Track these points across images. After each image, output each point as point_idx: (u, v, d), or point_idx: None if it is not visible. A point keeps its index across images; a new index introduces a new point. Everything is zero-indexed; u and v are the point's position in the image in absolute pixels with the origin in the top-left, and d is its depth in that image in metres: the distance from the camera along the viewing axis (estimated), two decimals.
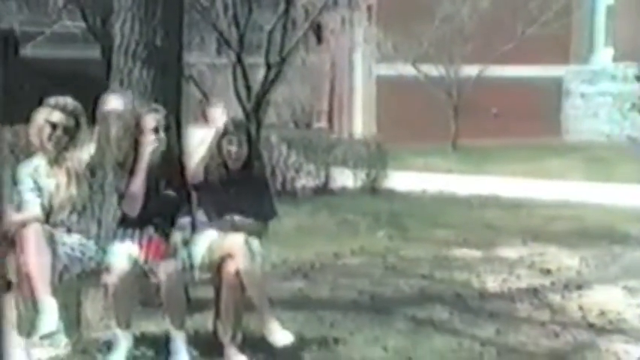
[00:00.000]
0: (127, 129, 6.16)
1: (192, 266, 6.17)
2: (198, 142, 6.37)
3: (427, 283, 8.46)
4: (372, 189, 15.03)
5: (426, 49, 22.51)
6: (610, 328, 7.16)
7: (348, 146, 16.40)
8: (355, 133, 24.17)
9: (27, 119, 6.31)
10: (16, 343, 5.88)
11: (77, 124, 6.16)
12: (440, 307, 7.52)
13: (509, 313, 7.51)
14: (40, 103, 6.21)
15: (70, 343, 6.19)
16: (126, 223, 6.21)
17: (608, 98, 24.17)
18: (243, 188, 6.34)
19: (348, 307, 7.44)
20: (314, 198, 14.13)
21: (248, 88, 15.84)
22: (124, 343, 6.00)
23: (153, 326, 6.49)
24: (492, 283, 8.53)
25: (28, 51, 34.45)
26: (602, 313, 7.47)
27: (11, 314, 6.10)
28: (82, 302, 6.35)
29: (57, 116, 6.09)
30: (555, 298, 7.99)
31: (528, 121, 23.94)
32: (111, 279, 5.92)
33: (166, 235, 6.16)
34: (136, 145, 6.20)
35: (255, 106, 15.54)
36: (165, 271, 5.97)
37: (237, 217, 6.27)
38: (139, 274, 6.01)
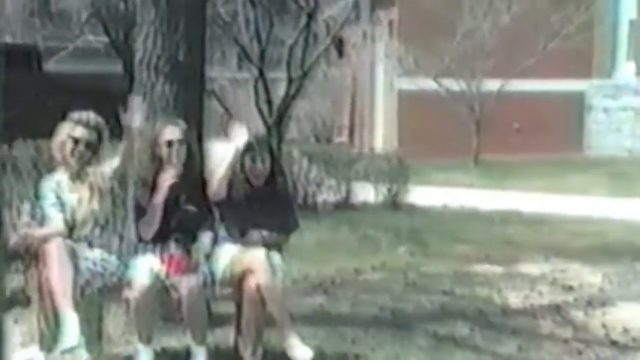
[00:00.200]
0: (148, 143, 6.19)
1: (213, 281, 6.17)
2: (220, 157, 6.39)
3: (448, 299, 8.42)
4: (394, 204, 15.00)
5: (447, 63, 22.49)
6: (633, 345, 7.10)
7: (370, 161, 16.38)
8: (376, 147, 24.15)
9: (49, 134, 6.33)
10: (38, 357, 5.91)
11: (100, 139, 6.18)
12: (461, 324, 7.49)
13: (532, 329, 7.46)
14: (62, 117, 6.23)
15: (91, 357, 6.19)
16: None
17: (631, 113, 24.08)
18: (267, 204, 6.34)
19: (369, 323, 7.42)
20: (335, 213, 14.12)
21: (269, 102, 15.89)
22: (145, 358, 6.01)
23: (174, 341, 6.50)
24: (514, 300, 8.49)
25: (51, 66, 34.65)
26: (626, 331, 7.42)
27: (32, 327, 6.13)
28: (103, 317, 6.35)
29: (80, 131, 6.11)
30: (578, 315, 7.94)
31: (550, 136, 23.87)
32: (132, 294, 5.93)
33: (187, 250, 6.16)
34: (154, 159, 6.23)
35: (277, 121, 15.59)
36: (186, 286, 5.97)
37: (258, 232, 6.27)
38: (161, 289, 6.02)
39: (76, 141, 6.11)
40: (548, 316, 7.88)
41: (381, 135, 28.05)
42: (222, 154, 6.43)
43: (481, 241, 11.57)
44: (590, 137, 25.40)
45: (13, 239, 6.02)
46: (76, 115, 6.18)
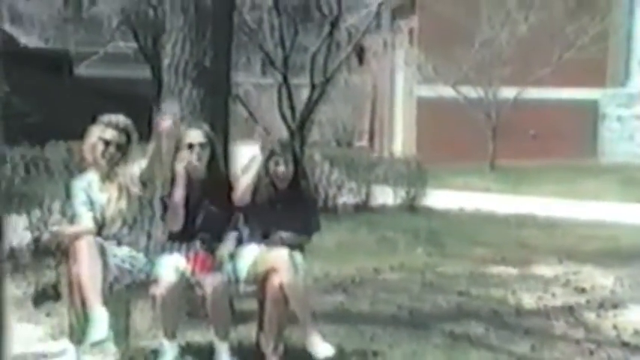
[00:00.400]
0: (173, 145, 6.22)
1: (237, 279, 6.18)
2: (245, 159, 6.41)
3: (464, 300, 8.41)
4: (412, 207, 15.00)
5: (465, 71, 22.46)
6: None
7: (389, 165, 16.38)
8: (395, 152, 24.13)
9: (80, 135, 6.37)
10: (68, 349, 5.94)
11: (128, 141, 6.20)
12: (476, 323, 7.47)
13: (545, 330, 7.44)
14: (93, 120, 6.26)
15: (118, 351, 6.24)
16: (174, 237, 6.25)
17: None
18: (290, 206, 6.34)
19: (388, 322, 7.42)
20: (355, 215, 14.11)
21: (292, 107, 15.92)
22: (170, 353, 6.03)
23: (198, 336, 6.51)
24: (528, 301, 8.47)
25: (82, 70, 34.84)
26: (636, 332, 7.39)
27: (63, 321, 6.16)
28: (130, 312, 6.38)
29: (110, 133, 6.14)
30: (590, 317, 7.92)
31: (565, 143, 23.82)
32: (159, 290, 5.95)
33: (212, 250, 6.18)
34: (176, 161, 6.26)
35: (300, 125, 15.62)
36: (211, 284, 5.99)
37: (282, 234, 6.28)
38: (186, 286, 6.04)
39: (106, 143, 6.13)
40: (561, 317, 7.85)
41: (400, 140, 28.03)
42: (246, 157, 6.46)
43: (497, 243, 11.54)
44: (603, 144, 25.32)
45: (46, 236, 6.06)
46: (106, 118, 6.21)
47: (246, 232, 6.34)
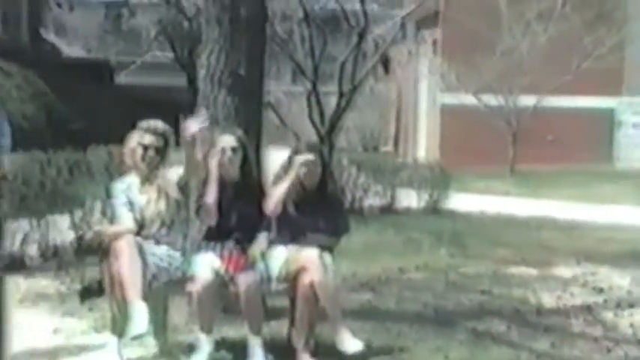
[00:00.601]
0: (208, 148, 6.25)
1: (269, 278, 6.18)
2: (276, 164, 6.42)
3: (486, 298, 8.37)
4: (435, 209, 14.96)
5: (487, 80, 22.41)
6: None
7: (413, 169, 16.38)
8: (419, 157, 24.13)
9: (120, 140, 6.40)
10: (110, 342, 5.97)
11: (166, 145, 6.23)
12: (498, 321, 7.43)
13: (564, 328, 7.39)
14: (132, 126, 6.29)
15: (157, 344, 6.26)
16: (209, 237, 6.26)
17: None
18: (319, 208, 6.33)
19: (413, 319, 7.39)
20: (380, 217, 14.09)
21: (322, 114, 15.94)
22: (205, 347, 6.04)
23: (232, 331, 6.52)
24: (548, 300, 8.42)
25: (122, 78, 35.06)
26: None
27: (105, 315, 6.20)
28: (168, 308, 6.39)
29: (148, 139, 6.16)
30: (608, 316, 7.85)
31: (582, 149, 23.69)
32: (195, 288, 5.97)
33: (245, 249, 6.18)
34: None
35: (329, 131, 15.63)
36: (244, 281, 6.00)
37: (311, 235, 6.27)
38: (221, 283, 6.05)
39: (145, 147, 6.15)
40: (579, 315, 7.79)
41: (424, 145, 27.98)
42: (277, 161, 6.47)
43: (517, 245, 11.48)
44: (619, 150, 25.19)
45: (88, 235, 6.10)
46: (144, 123, 6.24)
47: (276, 233, 6.33)
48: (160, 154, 6.19)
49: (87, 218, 9.84)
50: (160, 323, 6.22)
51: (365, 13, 16.16)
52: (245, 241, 6.21)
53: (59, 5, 38.35)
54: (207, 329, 6.06)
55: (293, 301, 6.19)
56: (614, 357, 6.66)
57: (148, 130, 6.19)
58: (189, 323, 6.54)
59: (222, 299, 6.23)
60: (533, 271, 9.83)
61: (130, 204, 6.15)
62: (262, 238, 6.28)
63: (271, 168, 6.93)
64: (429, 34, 27.99)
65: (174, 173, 6.15)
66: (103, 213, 9.59)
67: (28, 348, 6.36)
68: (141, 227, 6.11)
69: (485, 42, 21.79)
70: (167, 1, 26.67)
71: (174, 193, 6.13)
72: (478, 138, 23.51)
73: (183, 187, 6.13)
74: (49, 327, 6.95)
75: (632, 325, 7.48)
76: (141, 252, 5.86)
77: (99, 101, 24.73)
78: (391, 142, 33.14)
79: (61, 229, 9.84)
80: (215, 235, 6.23)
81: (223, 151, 6.25)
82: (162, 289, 6.12)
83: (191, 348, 6.16)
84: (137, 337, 5.77)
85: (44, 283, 8.61)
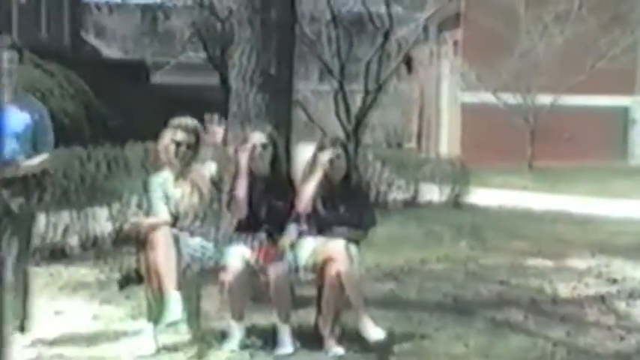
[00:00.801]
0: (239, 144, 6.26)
1: (297, 268, 6.18)
2: (304, 159, 6.42)
3: (504, 289, 8.34)
4: (456, 203, 14.95)
5: (505, 80, 22.35)
6: None
7: (435, 165, 16.37)
8: (441, 153, 24.08)
9: (156, 136, 6.42)
10: (146, 328, 6.00)
11: (197, 140, 6.24)
12: (516, 310, 7.41)
13: (579, 317, 7.35)
14: (166, 123, 6.31)
15: (190, 331, 6.28)
16: (240, 229, 6.27)
17: None
18: (345, 202, 6.32)
19: (434, 308, 7.38)
20: (404, 210, 14.09)
21: (348, 111, 15.95)
22: (237, 333, 6.06)
23: (262, 319, 6.52)
24: (563, 290, 8.38)
25: (157, 78, 35.16)
26: None
27: (141, 303, 6.22)
28: (201, 296, 6.41)
29: (180, 135, 6.18)
30: (621, 305, 7.81)
31: (597, 146, 23.59)
32: (227, 277, 5.99)
33: (275, 240, 6.19)
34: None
35: (355, 128, 15.65)
36: (274, 271, 6.01)
37: (339, 229, 6.26)
38: (251, 273, 6.06)
39: (177, 144, 6.17)
40: (593, 305, 7.75)
41: (446, 142, 27.93)
42: (305, 157, 6.47)
43: (534, 237, 11.45)
44: (633, 147, 25.06)
45: (126, 226, 6.13)
46: (176, 121, 6.26)
47: (304, 226, 6.33)
48: (192, 150, 6.20)
49: (124, 211, 9.89)
50: (193, 311, 6.24)
51: (390, 15, 16.15)
52: (275, 232, 6.22)
53: (99, 9, 38.57)
54: (239, 317, 6.08)
55: (320, 290, 6.19)
56: (626, 345, 6.61)
57: (179, 127, 6.21)
58: (221, 311, 6.55)
59: (252, 288, 6.24)
60: (549, 263, 9.79)
61: (166, 197, 6.18)
62: (292, 230, 6.28)
63: (300, 163, 6.93)
64: (450, 36, 27.93)
65: (206, 169, 6.17)
66: (139, 206, 9.63)
67: (68, 333, 6.41)
68: (175, 219, 6.14)
69: (504, 43, 21.73)
70: (200, 4, 26.68)
71: (207, 187, 6.15)
72: (497, 135, 23.45)
73: (216, 181, 6.15)
74: (88, 314, 7.00)
75: None
76: (176, 243, 5.88)
77: (136, 100, 24.82)
78: (414, 138, 33.10)
79: (100, 221, 9.91)
80: (246, 227, 6.24)
81: (254, 147, 6.25)
82: (196, 278, 6.13)
83: (223, 334, 6.18)
84: (172, 324, 5.80)
85: (83, 271, 8.67)
